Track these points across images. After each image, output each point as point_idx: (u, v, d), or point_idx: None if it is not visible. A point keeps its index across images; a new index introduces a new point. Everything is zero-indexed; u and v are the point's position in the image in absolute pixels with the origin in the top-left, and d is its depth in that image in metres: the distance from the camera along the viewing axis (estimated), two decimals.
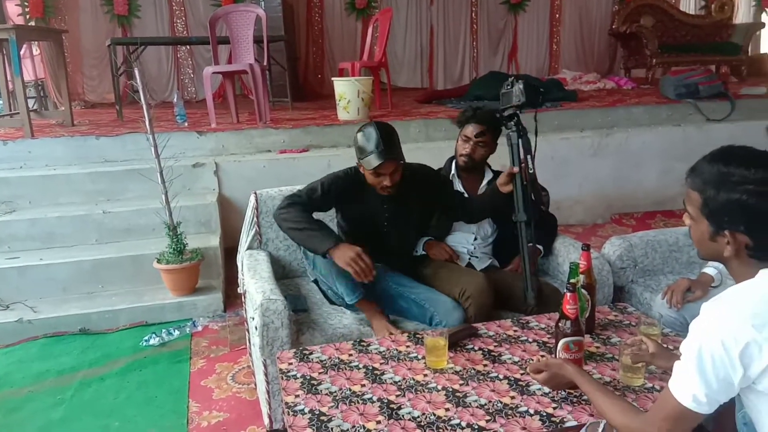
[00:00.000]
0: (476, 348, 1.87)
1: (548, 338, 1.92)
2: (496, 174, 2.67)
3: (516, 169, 2.24)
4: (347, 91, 4.68)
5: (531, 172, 2.22)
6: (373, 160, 2.14)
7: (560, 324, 1.62)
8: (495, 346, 1.88)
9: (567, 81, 6.94)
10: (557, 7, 9.27)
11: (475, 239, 2.57)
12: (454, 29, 8.95)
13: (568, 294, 1.60)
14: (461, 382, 1.67)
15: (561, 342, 1.60)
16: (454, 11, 8.90)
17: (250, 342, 2.38)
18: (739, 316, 1.09)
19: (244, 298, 2.42)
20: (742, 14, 9.13)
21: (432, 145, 4.52)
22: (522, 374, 1.70)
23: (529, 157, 2.22)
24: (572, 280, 1.74)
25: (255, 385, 2.43)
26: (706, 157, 1.23)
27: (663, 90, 5.42)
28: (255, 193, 2.62)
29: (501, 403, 1.56)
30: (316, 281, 2.36)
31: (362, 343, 1.92)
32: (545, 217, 2.60)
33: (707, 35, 8.00)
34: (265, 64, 4.80)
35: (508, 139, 2.30)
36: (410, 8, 8.67)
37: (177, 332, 3.16)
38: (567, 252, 2.47)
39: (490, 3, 8.99)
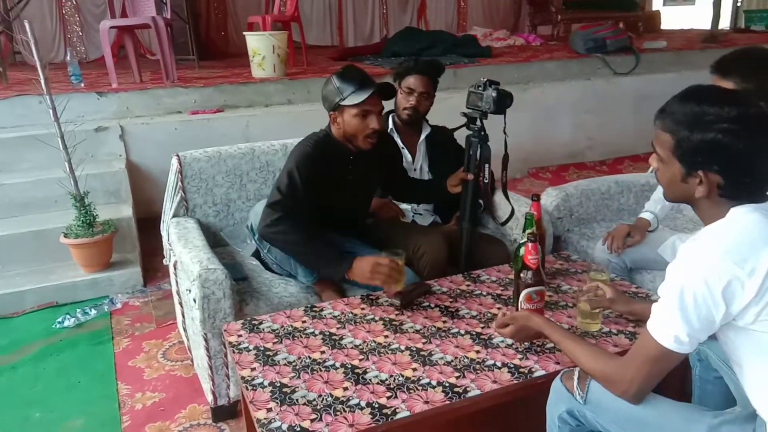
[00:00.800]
0: (432, 305, 1.83)
1: (501, 290, 1.91)
2: (434, 128, 2.61)
3: (470, 176, 2.18)
4: (261, 47, 4.42)
5: (486, 182, 2.16)
6: (360, 94, 1.95)
7: (521, 275, 1.59)
8: (451, 302, 1.84)
9: (478, 38, 6.96)
10: None
11: None
12: None
13: (530, 244, 1.57)
14: (424, 340, 1.62)
15: (523, 293, 1.58)
16: None
17: (184, 316, 2.21)
18: (719, 254, 1.09)
19: (175, 269, 2.23)
20: None
21: None
22: (483, 328, 1.68)
23: (486, 166, 2.15)
24: (530, 230, 1.72)
25: (191, 361, 2.28)
26: (676, 97, 1.21)
27: (573, 44, 5.55)
28: (178, 156, 2.41)
29: (467, 358, 1.53)
30: (256, 253, 2.22)
31: (314, 309, 1.83)
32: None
33: None
34: (168, 17, 4.41)
35: (467, 142, 2.21)
36: None
37: (94, 311, 2.91)
38: (504, 205, 2.45)
39: None
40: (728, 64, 1.72)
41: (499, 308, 1.79)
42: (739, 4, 11.20)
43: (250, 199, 2.51)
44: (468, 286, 1.95)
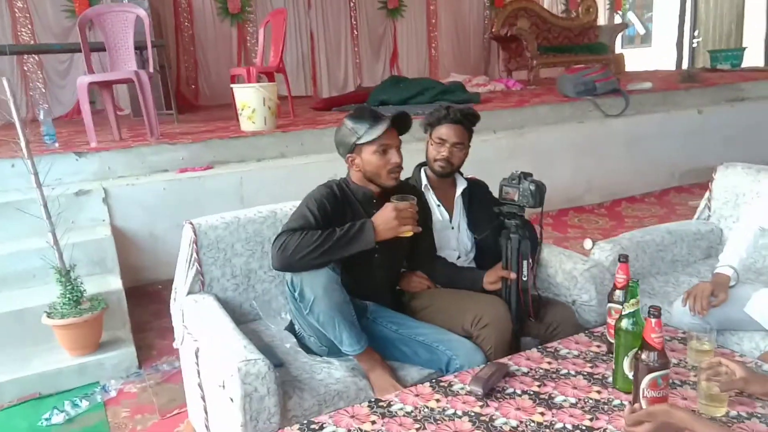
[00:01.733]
0: (518, 392, 1.56)
1: (590, 368, 1.66)
2: (470, 182, 2.40)
3: (513, 275, 1.97)
4: (252, 99, 4.19)
5: (525, 280, 1.95)
6: (376, 129, 1.85)
7: (642, 356, 1.36)
8: (539, 386, 1.58)
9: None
10: (433, 12, 9.36)
11: (459, 257, 2.26)
12: (334, 35, 8.68)
13: (653, 320, 1.34)
14: None
15: (647, 378, 1.34)
16: (333, 16, 8.64)
17: (207, 413, 1.88)
18: None
19: (196, 357, 1.91)
20: (601, 16, 9.78)
21: None
22: (591, 420, 1.42)
23: (526, 263, 1.95)
24: (633, 300, 1.49)
25: None
26: None
27: (561, 88, 5.51)
28: (192, 225, 2.11)
29: None
30: (291, 326, 1.93)
31: (380, 404, 1.54)
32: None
33: (577, 36, 8.44)
34: (151, 70, 4.15)
35: (505, 239, 2.01)
36: (288, 13, 8.26)
37: (85, 402, 2.53)
38: (559, 262, 2.23)
39: (368, 8, 8.85)
40: None
41: (598, 392, 1.54)
42: (695, 45, 11.64)
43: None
44: (550, 363, 1.70)
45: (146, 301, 3.48)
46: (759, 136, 5.92)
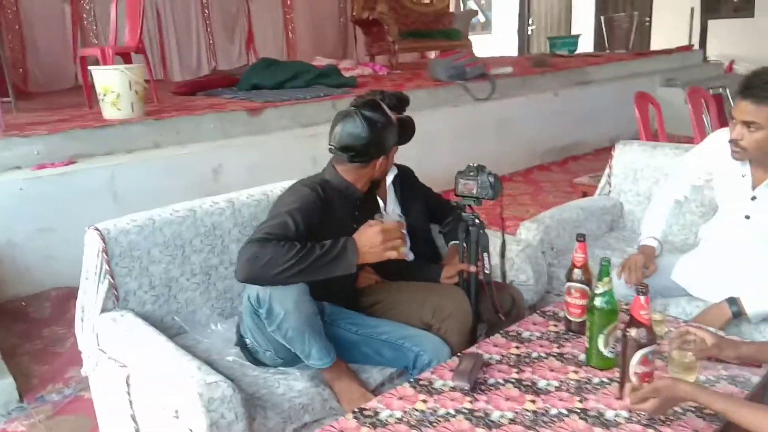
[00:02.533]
0: (501, 381, 1.53)
1: (557, 348, 1.68)
2: (401, 168, 2.32)
3: (473, 268, 1.89)
4: (116, 83, 3.72)
5: (487, 272, 1.88)
6: (410, 128, 1.95)
7: (631, 333, 1.38)
8: (517, 373, 1.56)
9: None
10: None
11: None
12: (184, 14, 8.06)
13: (642, 297, 1.37)
14: (534, 430, 1.32)
15: (638, 354, 1.37)
16: None
17: None
18: None
19: (127, 385, 1.64)
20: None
21: (253, 140, 3.94)
22: (581, 401, 1.43)
23: (486, 255, 1.89)
24: (606, 278, 1.51)
25: None
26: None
27: (434, 73, 5.61)
28: (98, 230, 1.80)
29: None
30: (239, 340, 1.73)
31: (367, 414, 1.42)
32: (449, 211, 2.31)
33: (433, 22, 8.67)
34: None
35: (462, 232, 1.92)
36: None
37: None
38: (492, 245, 2.23)
39: None
40: (762, 90, 1.69)
41: (575, 371, 1.56)
42: (529, 33, 12.57)
43: (196, 274, 1.98)
44: (518, 348, 1.68)
45: (9, 321, 2.97)
46: (604, 115, 6.55)
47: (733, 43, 10.49)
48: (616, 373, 1.53)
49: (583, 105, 6.34)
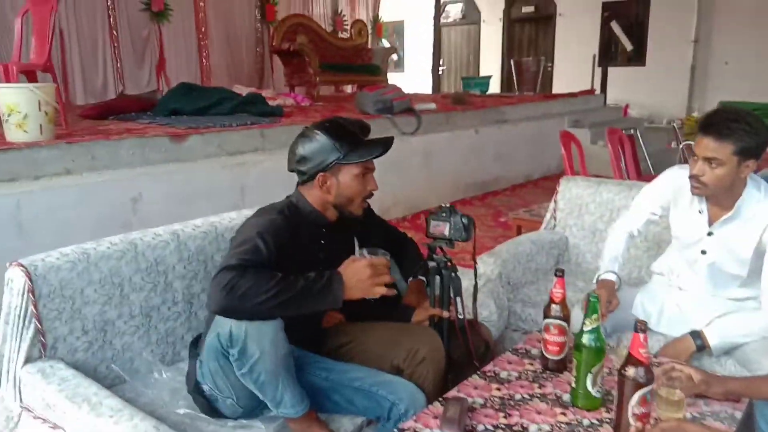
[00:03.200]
0: (490, 427, 1.43)
1: (538, 388, 1.61)
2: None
3: (446, 313, 1.80)
4: (23, 102, 3.35)
5: (461, 318, 1.80)
6: (372, 150, 1.66)
7: (629, 373, 1.33)
8: (505, 418, 1.47)
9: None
10: (202, 20, 8.80)
11: None
12: (90, 35, 7.61)
13: (640, 335, 1.33)
14: None
15: (637, 395, 1.32)
16: (87, 15, 7.56)
17: None
18: None
19: None
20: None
21: (176, 168, 3.68)
22: None
23: (459, 299, 1.81)
24: (594, 315, 1.47)
25: None
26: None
27: (361, 105, 5.58)
28: (22, 267, 1.54)
29: None
30: (196, 388, 1.52)
31: None
32: (408, 246, 2.23)
33: (352, 56, 8.74)
34: None
35: (433, 276, 1.83)
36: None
37: None
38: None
39: (129, 9, 7.94)
40: (723, 126, 1.74)
41: (563, 413, 1.49)
42: (441, 73, 12.99)
43: (135, 315, 1.75)
44: (499, 390, 1.60)
45: None
46: (520, 153, 6.80)
47: (628, 89, 11.38)
48: (603, 414, 1.49)
49: (501, 142, 6.55)
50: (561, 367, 1.69)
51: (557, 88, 11.89)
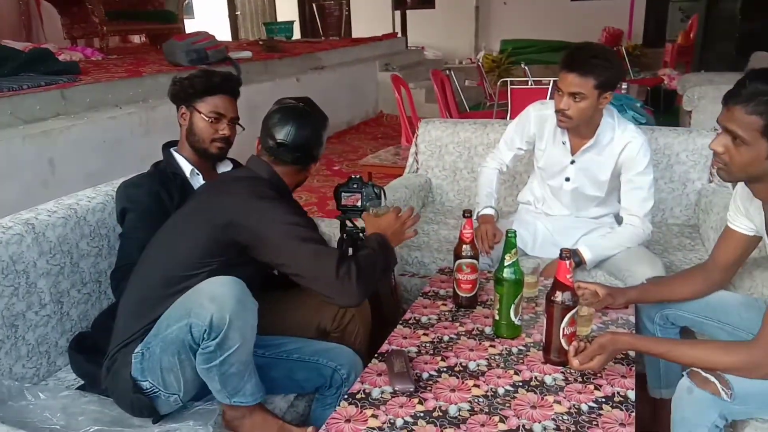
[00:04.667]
0: (433, 373, 1.45)
1: (458, 326, 1.66)
2: (235, 163, 2.02)
3: None
4: None
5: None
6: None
7: (557, 297, 1.42)
8: (442, 360, 1.50)
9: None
10: None
11: None
12: None
13: (566, 262, 1.42)
14: (494, 416, 1.28)
15: (567, 317, 1.42)
16: None
17: None
18: None
19: None
20: None
21: None
22: (514, 374, 1.44)
23: None
24: (513, 250, 1.54)
25: None
26: (755, 80, 1.24)
27: (171, 56, 5.08)
28: None
29: (563, 416, 1.29)
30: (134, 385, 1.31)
31: None
32: None
33: (141, 3, 7.86)
34: None
35: (348, 246, 1.80)
36: None
37: None
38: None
39: None
40: (585, 63, 1.88)
41: (492, 345, 1.56)
42: (237, 17, 12.35)
43: None
44: (426, 335, 1.62)
45: None
46: (341, 99, 6.79)
47: (421, 32, 11.90)
48: (526, 340, 1.59)
49: (322, 90, 6.46)
50: (473, 302, 1.76)
51: (356, 33, 12.02)
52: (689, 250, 2.29)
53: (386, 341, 1.60)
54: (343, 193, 1.74)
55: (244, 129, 1.94)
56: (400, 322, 1.69)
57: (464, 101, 5.94)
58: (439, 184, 2.82)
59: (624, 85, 6.50)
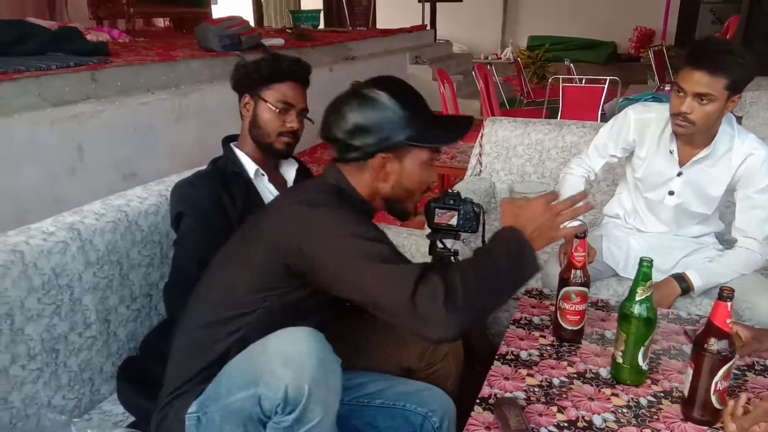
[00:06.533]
0: (552, 428, 1.21)
1: (570, 367, 1.41)
2: (300, 162, 1.79)
3: None
4: None
5: None
6: (447, 130, 1.27)
7: (712, 345, 1.16)
8: (558, 411, 1.26)
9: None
10: None
11: None
12: None
13: (729, 304, 1.16)
14: None
15: (722, 370, 1.17)
16: None
17: None
18: None
19: None
20: None
21: None
22: (651, 419, 1.20)
23: None
24: (647, 283, 1.29)
25: None
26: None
27: (204, 41, 4.83)
28: None
29: None
30: None
31: None
32: None
33: None
34: None
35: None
36: None
37: None
38: None
39: None
40: (718, 59, 1.63)
41: (615, 395, 1.31)
42: (261, 4, 12.09)
43: (35, 355, 1.20)
44: (531, 376, 1.37)
45: None
46: None
47: (448, 25, 11.60)
48: (653, 388, 1.34)
49: (352, 79, 6.22)
50: (579, 336, 1.52)
51: (381, 24, 11.74)
52: None
53: (486, 382, 1.35)
54: (437, 210, 1.48)
55: (313, 123, 1.68)
56: (497, 357, 1.45)
57: (504, 98, 5.67)
58: (505, 189, 2.57)
59: (667, 87, 6.24)
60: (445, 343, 1.16)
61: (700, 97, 1.65)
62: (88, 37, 5.38)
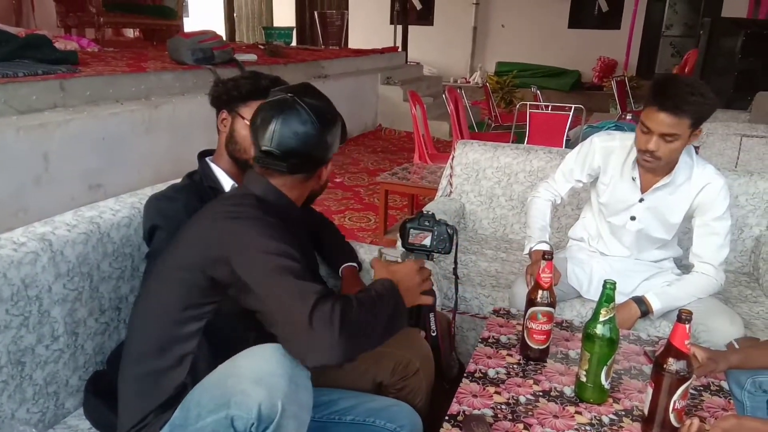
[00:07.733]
0: None
1: (535, 386, 1.45)
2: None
3: (423, 333, 1.55)
4: None
5: (434, 335, 1.56)
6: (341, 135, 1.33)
7: (671, 366, 1.22)
8: (524, 429, 1.29)
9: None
10: None
11: None
12: None
13: (687, 326, 1.21)
14: None
15: (681, 389, 1.22)
16: None
17: None
18: None
19: None
20: None
21: None
22: None
23: (432, 315, 1.55)
24: (611, 305, 1.34)
25: None
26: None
27: (176, 54, 4.82)
28: None
29: None
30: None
31: None
32: (332, 227, 1.93)
33: None
34: None
35: None
36: None
37: None
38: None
39: None
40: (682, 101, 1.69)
41: (579, 413, 1.35)
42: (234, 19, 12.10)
43: (0, 367, 1.18)
44: (498, 393, 1.41)
45: None
46: (341, 109, 6.54)
47: (419, 47, 11.79)
48: (614, 406, 1.39)
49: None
50: (545, 355, 1.56)
51: (353, 44, 11.87)
52: (753, 301, 2.13)
53: (455, 399, 1.38)
54: (411, 230, 1.51)
55: None
56: (465, 374, 1.48)
57: (473, 121, 5.78)
58: (474, 210, 2.63)
59: (629, 116, 6.46)
60: (319, 369, 1.07)
61: (665, 136, 1.72)
62: (57, 45, 5.29)
